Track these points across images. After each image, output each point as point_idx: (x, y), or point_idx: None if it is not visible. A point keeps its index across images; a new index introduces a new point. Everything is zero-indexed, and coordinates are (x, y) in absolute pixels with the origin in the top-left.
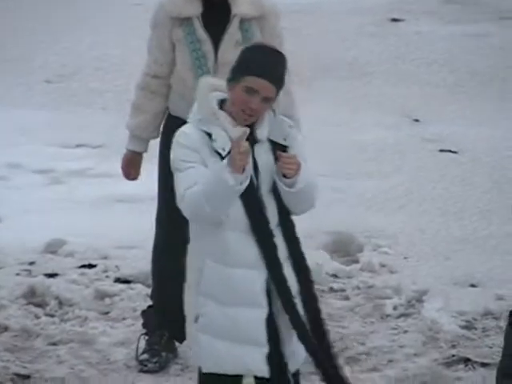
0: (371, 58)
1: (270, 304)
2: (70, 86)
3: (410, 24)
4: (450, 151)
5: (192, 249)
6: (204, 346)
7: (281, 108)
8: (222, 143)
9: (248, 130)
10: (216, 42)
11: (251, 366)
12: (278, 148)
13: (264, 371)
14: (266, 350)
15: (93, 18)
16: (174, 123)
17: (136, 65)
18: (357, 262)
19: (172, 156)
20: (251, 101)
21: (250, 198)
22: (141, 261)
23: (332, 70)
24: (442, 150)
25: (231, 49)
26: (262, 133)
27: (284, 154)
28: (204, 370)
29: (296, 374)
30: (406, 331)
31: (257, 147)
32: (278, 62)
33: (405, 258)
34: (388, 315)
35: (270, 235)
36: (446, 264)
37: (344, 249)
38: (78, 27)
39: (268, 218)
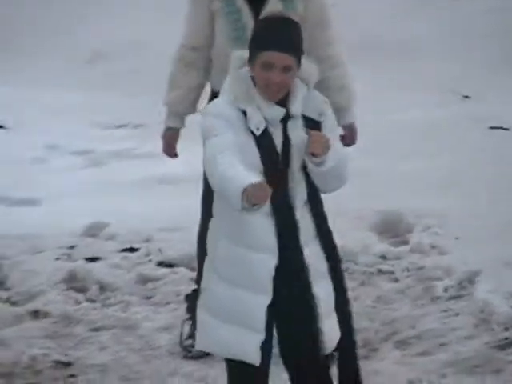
0: (418, 34)
1: (280, 290)
2: (105, 67)
3: None
4: (502, 128)
5: (212, 225)
6: (202, 324)
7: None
8: (257, 122)
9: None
10: (257, 13)
11: (241, 352)
12: (311, 124)
13: (256, 359)
14: (261, 337)
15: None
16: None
17: (170, 43)
18: (406, 243)
19: (203, 125)
20: (271, 75)
21: (278, 184)
22: (184, 244)
23: (377, 47)
24: (492, 127)
25: None
26: (295, 108)
27: (313, 133)
28: (197, 347)
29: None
30: (457, 313)
31: (290, 123)
32: (286, 29)
33: (455, 238)
34: (439, 297)
35: (294, 223)
36: (497, 244)
37: (392, 229)
38: (109, 8)
39: (294, 204)
